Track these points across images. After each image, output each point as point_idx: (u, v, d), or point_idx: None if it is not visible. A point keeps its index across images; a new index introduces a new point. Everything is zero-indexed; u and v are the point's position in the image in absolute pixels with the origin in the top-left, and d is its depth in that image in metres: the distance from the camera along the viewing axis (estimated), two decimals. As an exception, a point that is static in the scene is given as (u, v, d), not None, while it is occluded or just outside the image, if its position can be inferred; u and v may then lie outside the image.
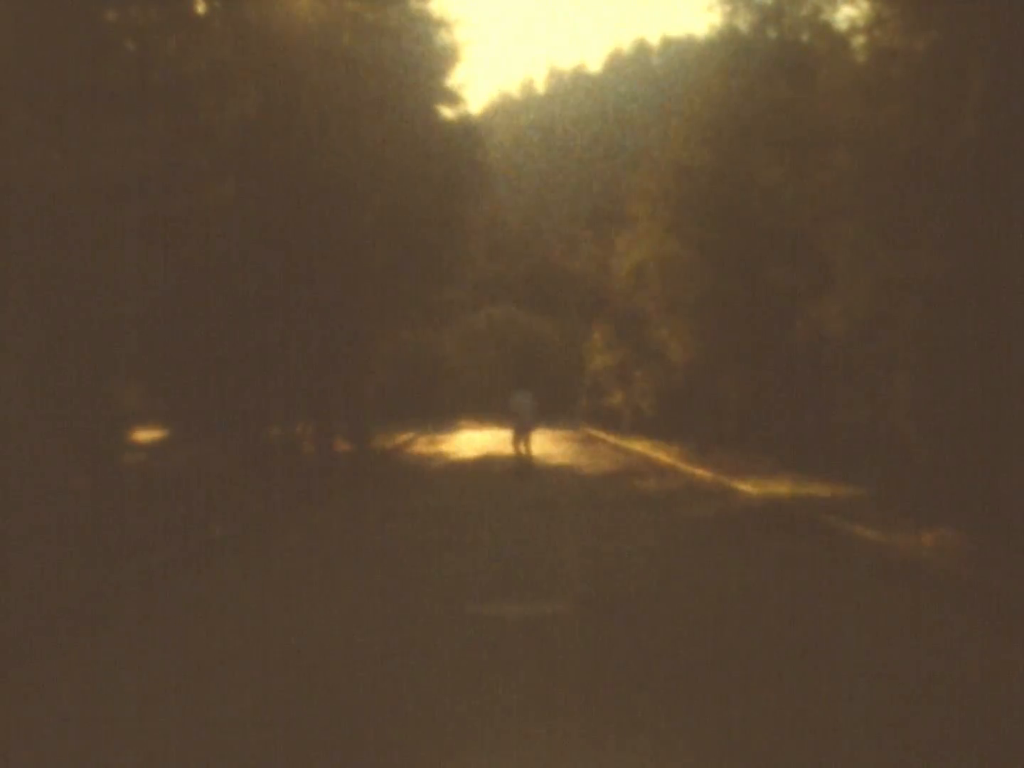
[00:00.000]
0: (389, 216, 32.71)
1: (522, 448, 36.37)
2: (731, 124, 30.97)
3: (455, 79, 36.89)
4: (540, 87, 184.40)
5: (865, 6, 20.74)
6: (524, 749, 8.00)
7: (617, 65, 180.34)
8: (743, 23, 31.09)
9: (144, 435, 26.87)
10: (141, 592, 14.10)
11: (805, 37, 29.30)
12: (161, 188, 18.78)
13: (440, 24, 35.32)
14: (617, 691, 9.36)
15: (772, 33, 30.28)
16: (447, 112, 38.01)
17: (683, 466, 33.33)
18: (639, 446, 44.57)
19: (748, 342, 31.17)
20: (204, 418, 27.38)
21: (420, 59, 34.30)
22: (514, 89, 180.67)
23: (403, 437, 51.48)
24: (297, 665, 10.30)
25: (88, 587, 13.44)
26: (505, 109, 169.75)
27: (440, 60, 35.80)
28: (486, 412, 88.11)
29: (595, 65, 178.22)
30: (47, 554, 14.83)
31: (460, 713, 8.76)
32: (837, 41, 25.12)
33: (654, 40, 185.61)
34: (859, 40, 22.12)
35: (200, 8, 20.44)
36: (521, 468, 35.21)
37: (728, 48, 31.96)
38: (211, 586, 15.04)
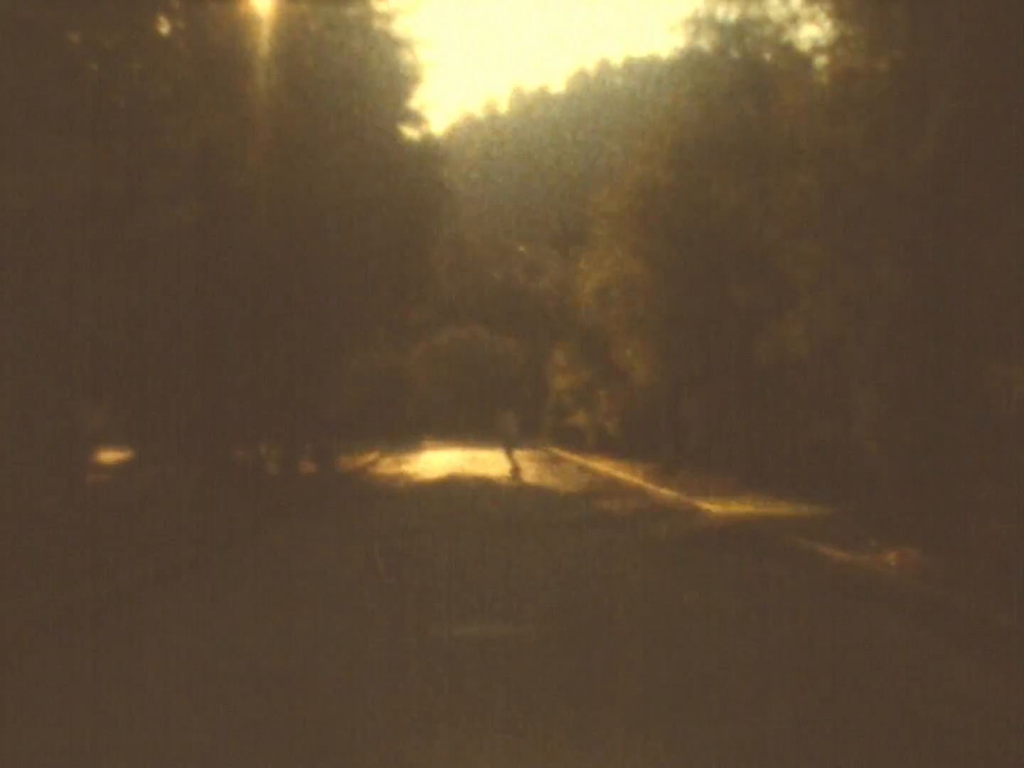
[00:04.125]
0: (353, 237, 32.67)
1: (511, 461, 42.29)
2: (694, 144, 31.12)
3: (418, 100, 36.90)
4: (503, 107, 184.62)
5: (827, 26, 20.86)
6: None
7: (581, 85, 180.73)
8: (706, 43, 31.25)
9: (109, 456, 26.80)
10: (97, 614, 14.02)
11: (768, 57, 29.48)
12: (124, 210, 18.74)
13: (403, 44, 35.28)
14: (579, 712, 9.37)
15: (735, 53, 30.45)
16: (410, 133, 38.02)
17: (647, 486, 33.37)
18: (603, 466, 44.61)
19: (712, 362, 31.28)
20: (168, 439, 27.30)
21: (383, 80, 34.27)
22: (478, 109, 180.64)
23: (368, 457, 51.35)
24: (258, 690, 10.26)
25: (46, 608, 13.39)
26: (469, 129, 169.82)
27: (403, 81, 35.75)
28: (450, 432, 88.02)
29: (558, 85, 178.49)
30: (8, 573, 14.78)
31: (423, 734, 8.76)
32: (800, 61, 25.30)
33: (617, 60, 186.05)
34: (821, 60, 22.30)
35: (164, 30, 20.44)
36: (512, 477, 40.47)
37: (691, 68, 32.15)
38: (168, 611, 14.90)
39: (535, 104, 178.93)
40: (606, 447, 51.65)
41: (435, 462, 53.24)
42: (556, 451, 61.99)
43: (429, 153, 38.78)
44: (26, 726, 9.28)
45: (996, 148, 15.86)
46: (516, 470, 41.41)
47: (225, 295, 26.76)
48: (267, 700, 9.83)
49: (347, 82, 31.95)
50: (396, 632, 12.85)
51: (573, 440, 60.38)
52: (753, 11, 29.97)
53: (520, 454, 41.12)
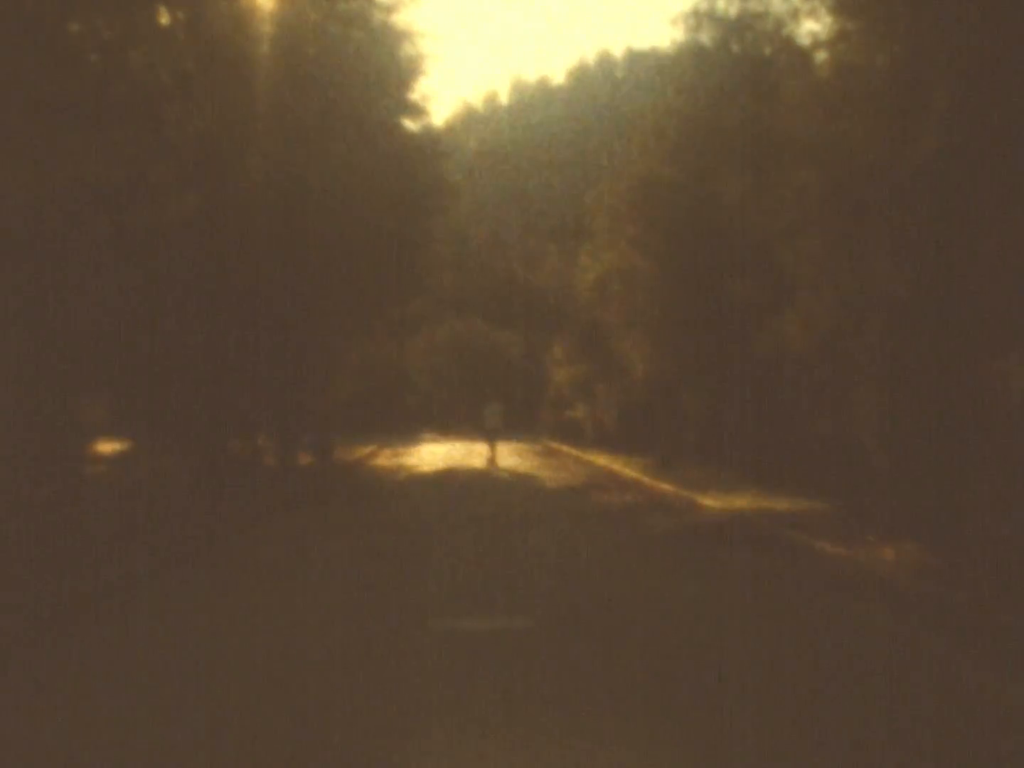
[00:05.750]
0: (353, 229, 32.66)
1: (489, 451, 47.18)
2: (694, 138, 31.09)
3: (419, 91, 36.72)
4: (504, 99, 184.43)
5: (828, 21, 20.83)
6: (489, 759, 8.03)
7: (581, 78, 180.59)
8: (707, 37, 31.25)
9: (107, 447, 26.78)
10: (94, 604, 14.01)
11: (768, 51, 29.46)
12: (124, 201, 18.71)
13: (404, 36, 35.31)
14: (575, 705, 9.37)
15: (735, 47, 30.44)
16: (411, 125, 38.07)
17: (645, 480, 33.35)
18: (601, 459, 44.61)
19: (710, 356, 31.25)
20: (167, 430, 27.29)
21: (384, 72, 34.28)
22: (478, 101, 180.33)
23: (366, 450, 51.35)
24: (259, 679, 10.25)
25: (44, 598, 13.38)
26: (469, 121, 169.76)
27: (404, 73, 35.75)
28: (449, 424, 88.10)
29: (559, 77, 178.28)
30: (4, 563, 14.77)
31: (423, 725, 8.77)
32: (800, 56, 25.26)
33: (618, 53, 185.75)
34: (821, 55, 22.24)
35: (164, 20, 20.37)
36: (488, 465, 44.90)
37: (692, 62, 32.12)
38: (166, 601, 14.87)
39: (535, 96, 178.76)
40: (605, 440, 51.67)
41: (434, 455, 53.30)
42: (555, 444, 61.99)
43: (429, 145, 38.84)
44: (23, 716, 9.29)
45: (996, 143, 15.84)
46: (491, 459, 45.79)
47: (224, 287, 26.75)
48: (262, 693, 9.82)
49: (348, 73, 31.95)
50: (394, 625, 12.85)
51: (572, 433, 60.38)
52: (754, 5, 30.05)
53: (518, 447, 41.74)
